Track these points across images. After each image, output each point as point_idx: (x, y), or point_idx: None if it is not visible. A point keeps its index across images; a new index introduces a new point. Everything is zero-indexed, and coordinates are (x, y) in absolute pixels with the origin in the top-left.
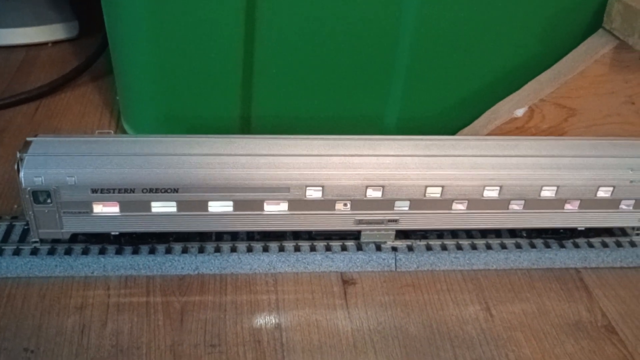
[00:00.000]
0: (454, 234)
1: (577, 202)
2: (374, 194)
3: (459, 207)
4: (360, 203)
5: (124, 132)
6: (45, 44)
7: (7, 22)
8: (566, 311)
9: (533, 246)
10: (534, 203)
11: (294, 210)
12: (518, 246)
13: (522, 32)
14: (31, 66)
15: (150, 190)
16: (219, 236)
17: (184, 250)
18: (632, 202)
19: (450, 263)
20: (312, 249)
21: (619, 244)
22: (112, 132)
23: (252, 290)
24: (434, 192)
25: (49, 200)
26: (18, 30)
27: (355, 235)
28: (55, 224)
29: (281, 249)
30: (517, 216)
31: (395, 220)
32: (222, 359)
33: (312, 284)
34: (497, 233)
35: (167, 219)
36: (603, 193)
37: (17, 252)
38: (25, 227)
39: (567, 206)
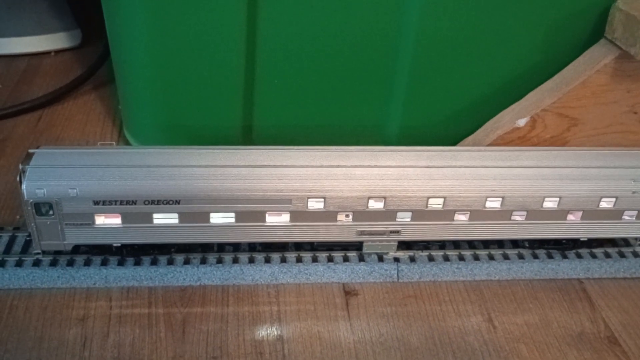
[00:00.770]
0: (456, 244)
1: (580, 213)
2: (376, 205)
3: (461, 218)
4: (362, 214)
5: (126, 141)
6: (47, 52)
7: (10, 31)
8: (569, 322)
9: (535, 257)
10: (536, 214)
11: (295, 221)
12: (520, 257)
13: (523, 42)
14: (34, 75)
15: (152, 202)
16: (221, 247)
17: (186, 262)
18: (635, 212)
19: (453, 274)
20: (314, 260)
21: (621, 255)
22: (114, 143)
23: (254, 302)
24: (436, 203)
25: (51, 212)
26: (20, 39)
27: (357, 246)
28: (57, 236)
29: (283, 260)
30: (519, 227)
31: (398, 231)
32: None
33: (314, 295)
34: (500, 244)
35: (169, 230)
36: (605, 204)
37: (19, 264)
38: (28, 239)
39: (570, 217)
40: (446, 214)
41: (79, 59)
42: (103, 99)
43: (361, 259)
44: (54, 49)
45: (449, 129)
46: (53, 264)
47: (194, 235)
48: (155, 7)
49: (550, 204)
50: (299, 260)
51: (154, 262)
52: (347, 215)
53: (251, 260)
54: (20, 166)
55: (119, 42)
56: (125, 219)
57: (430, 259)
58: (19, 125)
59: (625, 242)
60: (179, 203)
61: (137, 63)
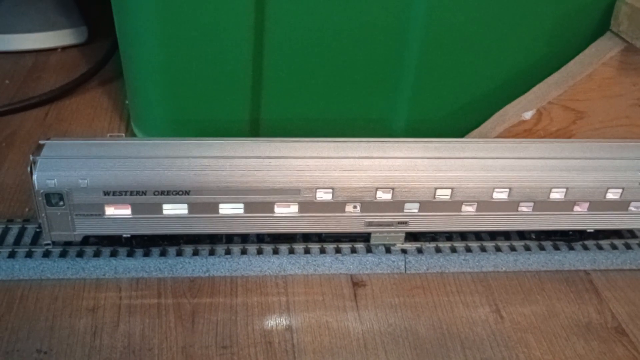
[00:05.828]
0: (464, 236)
1: (586, 204)
2: (383, 196)
3: (468, 209)
4: (370, 205)
5: (134, 135)
6: (54, 49)
7: (17, 28)
8: (576, 313)
9: (542, 248)
10: (543, 205)
11: (304, 212)
12: (527, 248)
13: (529, 35)
14: (41, 71)
15: (162, 193)
16: (230, 238)
17: (195, 253)
18: None
19: (460, 265)
20: (322, 251)
21: (628, 246)
22: (124, 135)
23: (262, 292)
24: (443, 194)
25: (61, 203)
26: (28, 36)
27: (365, 238)
28: (67, 227)
29: (291, 251)
30: (526, 218)
31: (405, 222)
32: None
33: (322, 286)
34: (507, 235)
35: (178, 221)
36: (612, 195)
37: (29, 255)
38: (38, 230)
39: (576, 208)
40: (453, 205)
41: (86, 56)
42: (110, 94)
43: (369, 250)
44: (60, 46)
45: (455, 123)
46: (63, 254)
47: (203, 226)
48: (164, 2)
49: (557, 195)
50: (307, 251)
51: (163, 253)
52: (355, 206)
53: (259, 252)
54: (31, 157)
55: (127, 37)
56: (135, 209)
57: (438, 250)
58: (27, 120)
59: (632, 233)
60: (188, 194)
61: (146, 58)
